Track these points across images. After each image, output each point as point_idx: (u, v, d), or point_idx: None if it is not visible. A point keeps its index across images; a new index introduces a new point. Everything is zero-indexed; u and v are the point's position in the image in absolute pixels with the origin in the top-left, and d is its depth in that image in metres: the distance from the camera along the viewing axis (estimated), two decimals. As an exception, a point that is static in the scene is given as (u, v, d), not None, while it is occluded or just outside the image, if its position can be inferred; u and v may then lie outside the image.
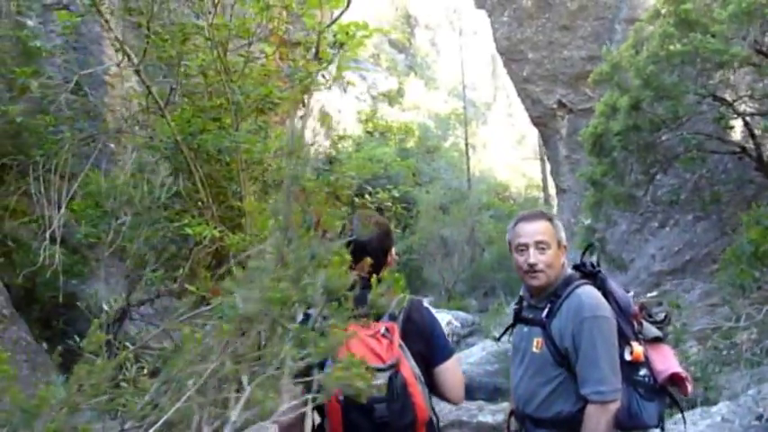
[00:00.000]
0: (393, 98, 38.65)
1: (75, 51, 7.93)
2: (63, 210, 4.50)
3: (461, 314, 16.10)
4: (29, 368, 4.38)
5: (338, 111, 26.35)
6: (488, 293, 19.82)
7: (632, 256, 10.00)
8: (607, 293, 2.47)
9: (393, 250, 2.44)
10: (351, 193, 5.70)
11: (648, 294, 8.68)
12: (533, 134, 22.73)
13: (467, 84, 34.71)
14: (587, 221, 8.89)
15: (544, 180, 24.90)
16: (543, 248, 2.45)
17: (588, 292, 2.43)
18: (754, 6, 5.15)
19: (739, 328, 5.08)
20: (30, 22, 7.25)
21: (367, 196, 5.95)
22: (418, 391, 2.11)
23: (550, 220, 2.54)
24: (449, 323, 12.75)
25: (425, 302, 2.51)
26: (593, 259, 2.66)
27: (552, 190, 19.62)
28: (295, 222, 2.29)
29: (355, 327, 1.82)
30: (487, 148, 37.93)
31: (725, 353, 5.66)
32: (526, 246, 2.47)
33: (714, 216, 8.99)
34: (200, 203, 5.07)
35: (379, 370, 2.04)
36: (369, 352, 2.05)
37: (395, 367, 2.08)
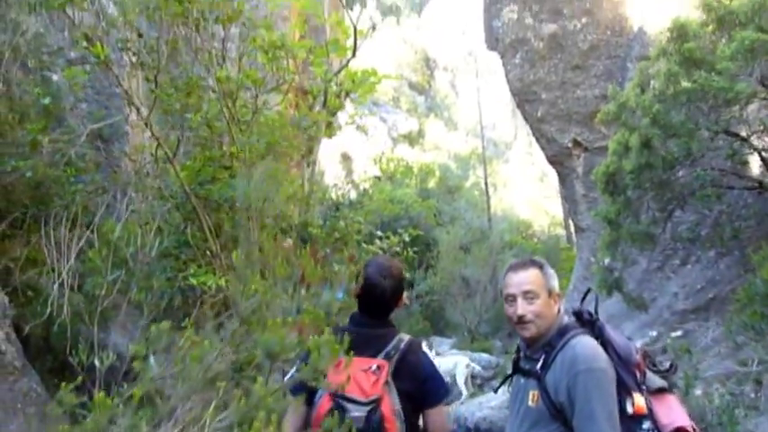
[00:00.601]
0: (413, 139, 39.12)
1: (97, 104, 8.23)
2: (73, 259, 4.60)
3: (485, 356, 15.78)
4: (38, 420, 4.37)
5: (349, 157, 26.68)
6: (512, 334, 19.32)
7: (654, 294, 9.73)
8: (605, 342, 2.38)
9: (404, 294, 2.62)
10: (360, 239, 5.70)
11: (672, 334, 8.44)
12: (555, 172, 22.69)
13: (486, 123, 35.05)
14: (606, 261, 8.72)
15: (566, 218, 24.65)
16: (531, 298, 2.40)
17: (584, 342, 2.35)
18: (757, 43, 5.13)
19: (752, 372, 4.86)
20: (55, 77, 7.53)
21: (377, 241, 5.93)
22: (395, 427, 2.31)
23: (541, 267, 2.48)
24: (467, 365, 12.49)
25: (425, 345, 2.64)
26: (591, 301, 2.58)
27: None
28: (280, 275, 2.32)
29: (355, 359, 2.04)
30: (509, 187, 37.90)
31: (752, 396, 5.42)
32: (514, 296, 2.43)
33: (737, 252, 8.74)
34: (208, 252, 5.12)
35: (359, 403, 2.26)
36: (354, 384, 2.25)
37: (376, 403, 2.27)
